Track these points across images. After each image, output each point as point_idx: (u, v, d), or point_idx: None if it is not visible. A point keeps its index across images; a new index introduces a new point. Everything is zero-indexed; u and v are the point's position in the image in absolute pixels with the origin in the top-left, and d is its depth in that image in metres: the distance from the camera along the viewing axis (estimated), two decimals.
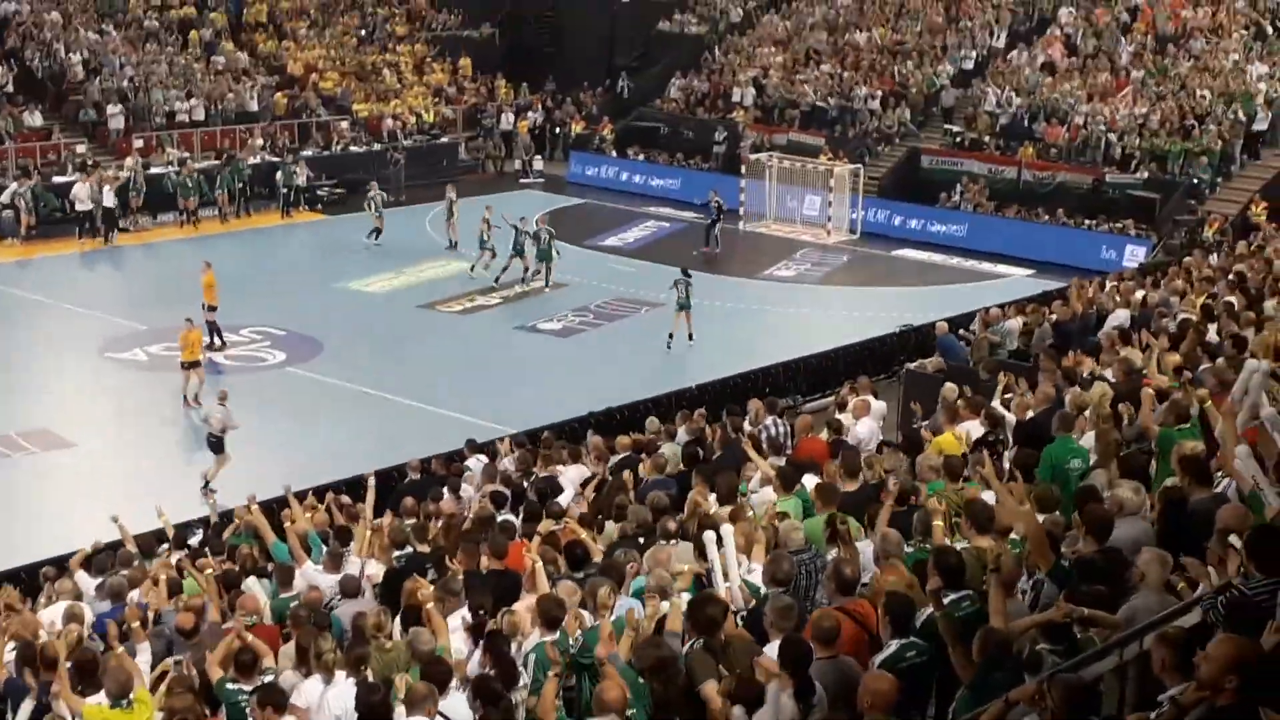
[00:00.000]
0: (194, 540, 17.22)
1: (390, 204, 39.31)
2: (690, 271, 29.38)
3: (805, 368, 25.21)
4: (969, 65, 43.06)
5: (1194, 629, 7.08)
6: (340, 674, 9.62)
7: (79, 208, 35.85)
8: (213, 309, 27.90)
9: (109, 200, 35.86)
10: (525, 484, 16.07)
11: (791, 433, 15.96)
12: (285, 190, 39.54)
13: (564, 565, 11.34)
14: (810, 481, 12.45)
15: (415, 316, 31.02)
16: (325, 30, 48.45)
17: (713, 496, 12.51)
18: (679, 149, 44.55)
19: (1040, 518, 9.43)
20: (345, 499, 17.01)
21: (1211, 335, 15.99)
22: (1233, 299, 18.23)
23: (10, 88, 40.22)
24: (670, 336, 28.51)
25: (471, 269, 33.40)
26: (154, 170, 38.38)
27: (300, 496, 16.53)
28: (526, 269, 32.90)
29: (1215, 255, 26.68)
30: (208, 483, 21.38)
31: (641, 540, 11.56)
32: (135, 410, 25.45)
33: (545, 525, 12.93)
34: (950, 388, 16.06)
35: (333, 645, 9.91)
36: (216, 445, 21.65)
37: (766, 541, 10.37)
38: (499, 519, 13.76)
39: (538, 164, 45.95)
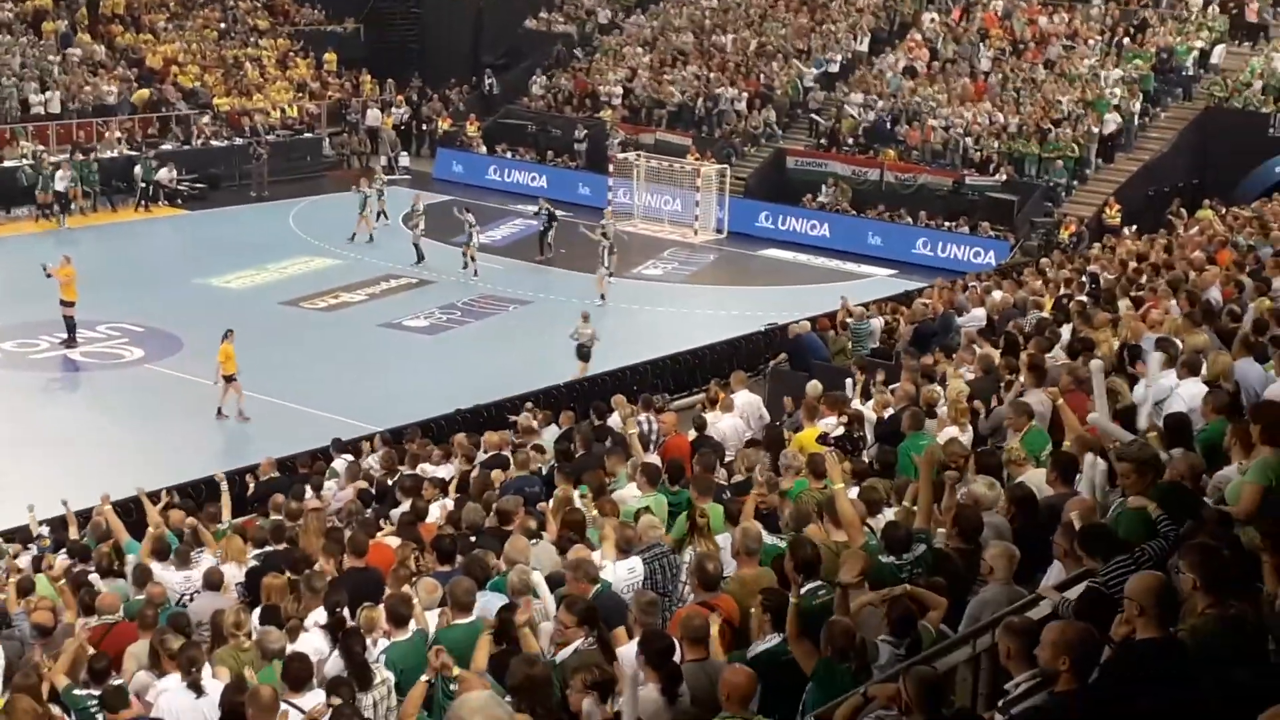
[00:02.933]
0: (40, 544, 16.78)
1: (253, 200, 38.76)
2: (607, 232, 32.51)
3: (673, 366, 25.32)
4: (833, 69, 43.57)
5: (1042, 620, 7.24)
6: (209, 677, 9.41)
7: None
8: (70, 304, 27.16)
9: None
10: (389, 482, 15.93)
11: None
12: (144, 185, 38.69)
13: (431, 562, 11.26)
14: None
15: (279, 313, 30.60)
16: (185, 23, 47.48)
17: (577, 492, 12.52)
18: (547, 147, 44.47)
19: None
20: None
21: (1065, 334, 16.35)
22: (1085, 299, 18.67)
23: None
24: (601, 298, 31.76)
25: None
26: (7, 164, 37.32)
27: (154, 496, 16.20)
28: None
29: (1070, 256, 27.31)
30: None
31: (473, 539, 11.54)
32: None
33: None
34: (814, 385, 16.22)
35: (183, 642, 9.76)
36: (584, 354, 25.73)
37: (625, 537, 10.34)
38: (362, 516, 13.63)
39: (404, 160, 45.61)
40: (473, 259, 33.73)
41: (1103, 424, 10.28)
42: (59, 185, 36.67)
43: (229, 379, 23.94)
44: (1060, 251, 29.05)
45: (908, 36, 44.29)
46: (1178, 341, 12.52)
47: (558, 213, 36.20)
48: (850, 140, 40.65)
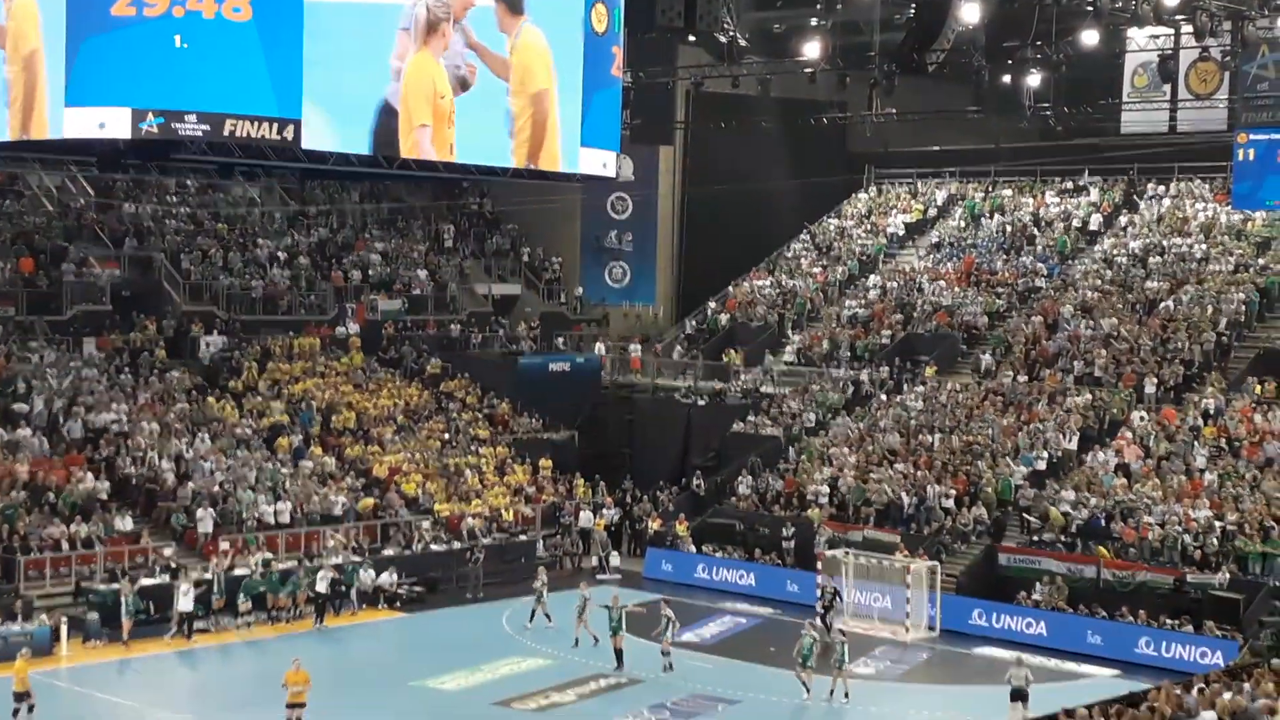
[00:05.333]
0: None
1: (468, 602, 39.58)
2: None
3: None
4: (1041, 466, 43.48)
5: None
6: None
7: (181, 608, 36.14)
8: (299, 706, 27.94)
9: (186, 604, 36.11)
10: None
11: None
12: (362, 590, 39.96)
13: None
14: None
15: (491, 714, 30.80)
16: (411, 435, 49.74)
17: None
18: (755, 545, 44.86)
19: None
20: None
21: None
22: None
23: (105, 495, 41.27)
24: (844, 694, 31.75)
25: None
26: (238, 572, 38.84)
27: None
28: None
29: None
30: None
31: None
32: None
33: None
34: None
35: None
36: (1021, 695, 27.86)
37: None
38: None
39: (614, 560, 46.31)
40: (665, 653, 33.85)
41: None
42: (320, 586, 38.34)
43: None
44: None
45: (1118, 434, 44.11)
46: None
47: (841, 593, 38.02)
48: (1064, 537, 40.13)
